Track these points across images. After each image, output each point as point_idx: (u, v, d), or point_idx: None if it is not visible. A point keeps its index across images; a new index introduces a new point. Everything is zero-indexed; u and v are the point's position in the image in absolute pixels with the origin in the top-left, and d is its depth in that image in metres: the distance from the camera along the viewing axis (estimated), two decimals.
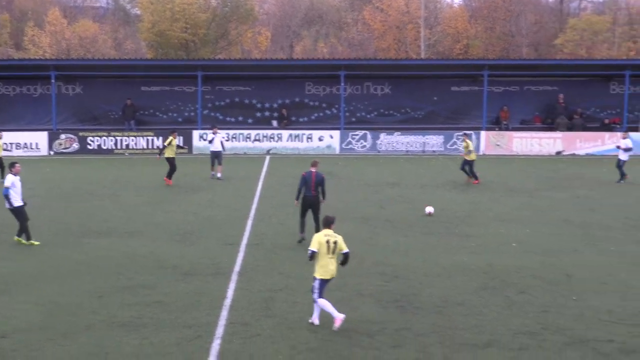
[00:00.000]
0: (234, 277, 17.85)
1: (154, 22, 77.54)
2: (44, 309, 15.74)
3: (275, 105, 50.23)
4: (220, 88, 50.05)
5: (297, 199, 21.40)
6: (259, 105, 50.40)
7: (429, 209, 18.78)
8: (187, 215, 25.55)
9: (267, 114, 50.31)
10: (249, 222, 24.24)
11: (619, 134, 45.33)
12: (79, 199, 28.84)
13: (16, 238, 21.23)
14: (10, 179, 21.00)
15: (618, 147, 35.03)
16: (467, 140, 33.56)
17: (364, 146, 46.18)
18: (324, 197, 21.58)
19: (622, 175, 33.65)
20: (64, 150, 45.49)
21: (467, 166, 32.88)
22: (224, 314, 15.12)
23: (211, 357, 12.90)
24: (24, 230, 21.17)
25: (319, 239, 14.28)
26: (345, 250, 14.44)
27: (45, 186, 31.25)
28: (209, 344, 13.46)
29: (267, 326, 14.47)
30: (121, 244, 21.55)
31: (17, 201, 20.99)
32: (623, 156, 33.94)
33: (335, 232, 14.52)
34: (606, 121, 49.39)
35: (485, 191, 31.08)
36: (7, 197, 20.84)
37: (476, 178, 32.71)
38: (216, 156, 34.15)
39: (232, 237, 22.15)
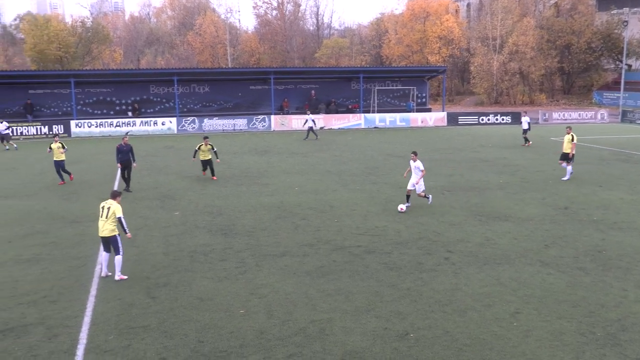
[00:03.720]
0: None
1: (34, 43, 72.10)
2: None
3: (129, 101, 48.13)
4: (89, 90, 47.20)
5: (118, 162, 21.83)
6: (117, 102, 48.03)
7: (401, 207, 17.36)
8: (70, 181, 23.97)
9: (123, 107, 48.10)
10: (116, 183, 23.15)
11: (362, 114, 47.15)
12: None
13: None
14: None
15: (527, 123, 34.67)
16: None
17: (194, 127, 45.18)
18: (134, 160, 22.11)
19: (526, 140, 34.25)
20: None
21: None
22: (101, 247, 14.46)
23: (95, 278, 12.33)
24: None
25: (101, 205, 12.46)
26: (119, 215, 12.17)
27: None
28: (93, 269, 12.86)
29: (133, 253, 13.92)
30: (19, 203, 19.97)
31: None
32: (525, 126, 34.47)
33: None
34: (350, 107, 51.05)
35: (275, 154, 31.34)
36: None
37: None
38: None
39: (105, 194, 21.07)
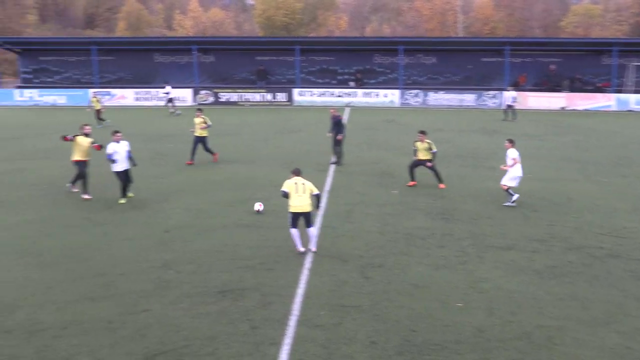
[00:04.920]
0: (325, 194, 17.94)
1: (263, 9, 77.72)
2: (191, 213, 16.13)
3: (352, 71, 49.88)
4: (312, 58, 49.83)
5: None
6: (340, 71, 50.10)
7: (257, 206, 15.91)
8: (290, 149, 25.68)
9: (346, 77, 50.01)
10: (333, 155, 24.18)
11: (614, 94, 43.71)
12: (214, 137, 29.20)
13: (123, 199, 17.17)
14: (112, 147, 16.74)
15: None
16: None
17: (417, 101, 45.50)
18: (340, 133, 22.42)
19: None
20: (203, 102, 45.98)
21: None
22: (318, 220, 15.24)
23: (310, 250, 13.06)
24: (123, 190, 17.19)
25: (289, 183, 12.94)
26: (317, 192, 13.03)
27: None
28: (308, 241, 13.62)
29: (348, 229, 14.56)
30: (243, 169, 21.84)
31: (117, 167, 16.86)
32: None
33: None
34: (598, 85, 47.46)
35: (506, 136, 30.28)
36: (111, 161, 16.77)
37: None
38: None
39: (323, 165, 22.21)
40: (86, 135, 17.72)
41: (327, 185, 19.12)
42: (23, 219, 15.47)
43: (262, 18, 78.68)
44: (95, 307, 10.29)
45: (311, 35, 78.13)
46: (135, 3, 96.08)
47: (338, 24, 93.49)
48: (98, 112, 34.46)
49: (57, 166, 22.23)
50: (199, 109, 23.95)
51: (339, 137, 22.27)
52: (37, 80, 51.84)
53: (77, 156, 17.63)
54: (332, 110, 23.26)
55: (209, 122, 23.12)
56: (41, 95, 48.09)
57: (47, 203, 17.14)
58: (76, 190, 18.06)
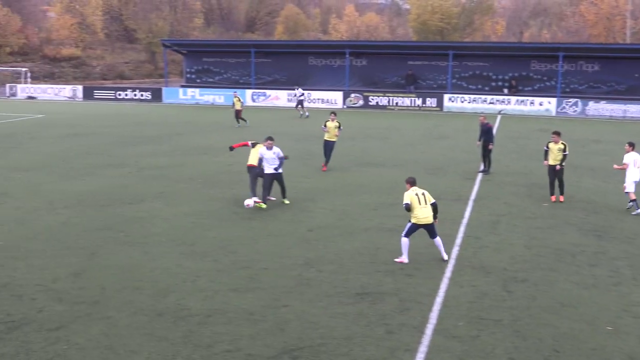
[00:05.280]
0: (470, 203, 17.55)
1: (418, 14, 77.40)
2: (335, 213, 16.39)
3: (506, 77, 48.40)
4: (465, 63, 48.91)
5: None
6: (493, 77, 48.78)
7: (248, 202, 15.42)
8: (437, 155, 25.39)
9: (499, 83, 48.61)
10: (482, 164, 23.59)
11: None
12: (361, 140, 29.56)
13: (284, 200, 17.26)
14: (260, 151, 16.80)
15: None
16: None
17: (575, 110, 43.27)
18: (491, 141, 21.83)
19: None
20: (353, 105, 46.64)
21: None
22: (462, 229, 14.95)
23: (451, 259, 12.82)
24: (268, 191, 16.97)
25: (410, 195, 12.57)
26: (434, 201, 12.71)
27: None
28: (450, 250, 13.38)
29: (493, 241, 14.13)
30: (388, 172, 21.87)
31: (267, 169, 16.66)
32: None
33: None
34: None
35: None
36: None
37: None
38: None
39: (470, 174, 21.74)
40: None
41: (473, 194, 18.68)
42: (180, 211, 16.50)
43: (416, 22, 78.49)
44: (239, 298, 10.76)
45: (466, 40, 76.73)
46: (294, 7, 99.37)
47: (495, 29, 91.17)
48: (238, 112, 35.37)
49: (212, 162, 23.53)
50: (333, 112, 23.09)
51: (490, 146, 21.67)
52: (199, 80, 55.09)
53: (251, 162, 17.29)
54: (481, 118, 22.71)
55: (342, 127, 22.66)
56: (202, 95, 51.02)
57: (201, 197, 18.16)
58: (273, 198, 17.38)
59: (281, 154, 16.84)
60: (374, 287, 11.28)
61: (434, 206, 12.70)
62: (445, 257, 12.76)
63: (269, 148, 16.69)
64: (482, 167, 21.98)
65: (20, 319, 9.95)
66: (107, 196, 18.12)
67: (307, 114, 39.89)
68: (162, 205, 17.08)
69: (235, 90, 43.19)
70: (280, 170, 16.86)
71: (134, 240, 13.99)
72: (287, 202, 17.17)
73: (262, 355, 8.82)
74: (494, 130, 22.38)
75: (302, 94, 41.45)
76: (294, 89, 44.38)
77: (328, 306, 10.45)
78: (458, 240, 14.04)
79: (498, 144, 23.93)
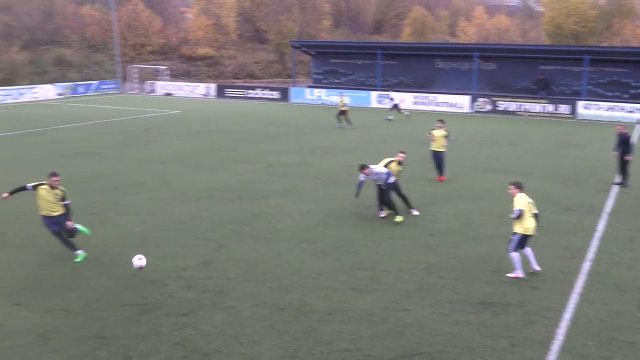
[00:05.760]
0: (604, 216, 16.60)
1: (552, 17, 74.44)
2: (458, 219, 16.13)
3: None
4: (602, 69, 46.35)
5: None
6: (633, 84, 45.92)
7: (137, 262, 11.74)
8: (568, 164, 24.24)
9: (639, 91, 45.72)
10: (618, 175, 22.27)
11: None
12: (488, 145, 28.79)
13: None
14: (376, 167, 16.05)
15: None
16: None
17: None
18: (629, 152, 20.39)
19: None
20: (480, 110, 45.54)
21: None
22: (594, 243, 14.21)
23: (581, 274, 12.21)
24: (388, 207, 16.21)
25: (523, 202, 11.99)
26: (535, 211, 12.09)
27: (465, 135, 31.53)
28: (580, 264, 12.75)
29: (629, 257, 13.30)
30: (515, 180, 21.04)
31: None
32: None
33: None
34: None
35: None
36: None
37: None
38: None
39: (604, 185, 20.58)
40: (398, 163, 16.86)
41: (608, 207, 17.66)
42: (303, 209, 16.81)
43: (550, 25, 75.35)
44: (359, 298, 10.80)
45: (603, 44, 72.79)
46: (422, 10, 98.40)
47: (636, 33, 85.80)
48: (343, 112, 34.98)
49: (335, 162, 23.78)
50: (441, 120, 21.41)
51: (628, 157, 20.38)
52: (325, 81, 55.82)
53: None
54: (619, 127, 21.39)
55: (451, 137, 21.46)
56: (328, 95, 51.65)
57: (325, 195, 18.41)
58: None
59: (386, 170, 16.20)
60: (498, 297, 10.96)
61: (536, 217, 12.18)
62: (538, 268, 12.19)
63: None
64: (618, 179, 20.76)
65: (153, 302, 10.53)
66: (235, 191, 18.79)
67: (391, 117, 39.29)
68: (287, 203, 17.48)
69: (369, 91, 42.96)
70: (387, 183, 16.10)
71: (259, 234, 14.42)
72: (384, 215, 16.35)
73: (381, 357, 8.80)
74: (634, 140, 21.01)
75: (393, 99, 40.61)
76: (387, 93, 43.89)
77: (449, 313, 10.26)
78: (590, 255, 13.35)
79: (637, 154, 22.50)
